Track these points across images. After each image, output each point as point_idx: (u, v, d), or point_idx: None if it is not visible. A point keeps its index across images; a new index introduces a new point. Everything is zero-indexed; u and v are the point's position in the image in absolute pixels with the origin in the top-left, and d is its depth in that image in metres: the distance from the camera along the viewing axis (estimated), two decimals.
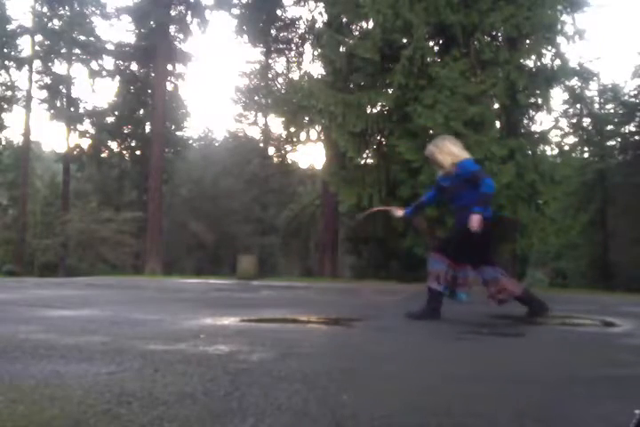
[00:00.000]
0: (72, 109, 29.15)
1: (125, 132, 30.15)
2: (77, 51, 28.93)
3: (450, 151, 4.63)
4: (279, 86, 28.88)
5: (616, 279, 23.66)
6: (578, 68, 13.51)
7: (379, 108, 13.65)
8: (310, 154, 77.27)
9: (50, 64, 28.93)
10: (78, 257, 28.81)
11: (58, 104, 29.02)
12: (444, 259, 4.48)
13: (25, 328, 3.47)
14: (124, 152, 30.73)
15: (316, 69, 40.56)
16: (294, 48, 27.94)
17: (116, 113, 29.68)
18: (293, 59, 28.80)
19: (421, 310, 4.53)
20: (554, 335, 4.05)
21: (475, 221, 4.25)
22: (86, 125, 29.35)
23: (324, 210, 23.50)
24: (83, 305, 5.32)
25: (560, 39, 13.10)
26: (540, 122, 15.75)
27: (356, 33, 15.67)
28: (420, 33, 12.11)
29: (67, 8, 28.74)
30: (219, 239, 31.85)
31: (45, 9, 28.63)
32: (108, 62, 29.36)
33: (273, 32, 27.96)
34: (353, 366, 2.57)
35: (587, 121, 27.78)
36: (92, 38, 28.75)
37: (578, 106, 25.77)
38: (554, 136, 15.01)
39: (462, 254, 4.50)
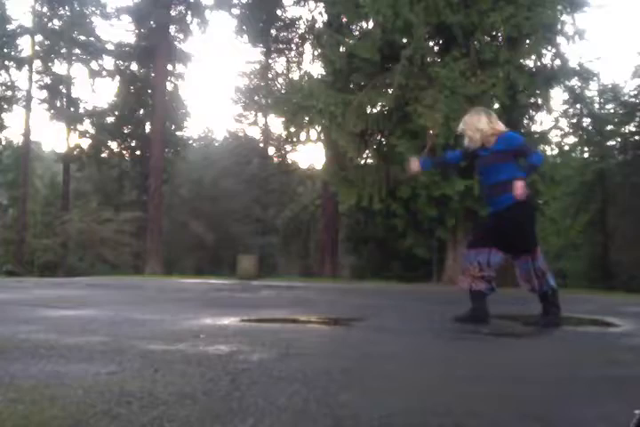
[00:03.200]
0: (72, 109, 29.13)
1: (125, 132, 30.12)
2: (77, 51, 28.90)
3: (482, 126, 4.27)
4: (279, 86, 28.86)
5: (616, 279, 23.63)
6: (578, 68, 13.50)
7: (379, 108, 13.64)
8: (310, 154, 77.34)
9: (50, 64, 28.89)
10: (78, 257, 28.81)
11: (58, 104, 28.99)
12: (480, 249, 4.11)
13: (25, 328, 3.47)
14: (124, 152, 30.70)
15: (316, 69, 40.62)
16: (294, 48, 27.95)
17: (116, 113, 29.64)
18: (293, 59, 28.82)
19: (467, 313, 4.19)
20: (554, 335, 4.05)
21: (519, 187, 3.93)
22: (86, 125, 29.32)
23: (323, 210, 23.53)
24: (83, 305, 5.31)
25: (560, 39, 13.11)
26: (540, 122, 15.70)
27: (356, 33, 15.64)
28: (419, 33, 12.10)
29: (67, 8, 28.71)
30: (219, 239, 31.84)
31: (45, 9, 28.60)
32: (108, 62, 29.36)
33: (273, 32, 27.96)
34: (353, 366, 2.56)
35: (587, 121, 27.67)
36: (92, 38, 28.72)
37: (578, 106, 25.69)
38: (554, 136, 14.99)
39: (497, 242, 4.11)
